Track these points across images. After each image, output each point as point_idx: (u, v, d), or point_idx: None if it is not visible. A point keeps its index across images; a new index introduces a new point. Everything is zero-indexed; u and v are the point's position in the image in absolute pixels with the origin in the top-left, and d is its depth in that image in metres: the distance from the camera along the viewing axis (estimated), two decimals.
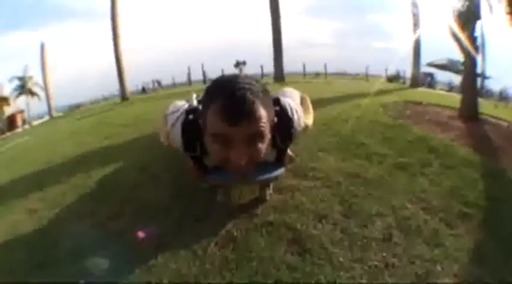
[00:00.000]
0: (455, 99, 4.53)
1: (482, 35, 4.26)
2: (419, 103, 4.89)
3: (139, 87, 22.04)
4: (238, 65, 28.29)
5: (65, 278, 1.21)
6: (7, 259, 1.43)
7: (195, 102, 1.41)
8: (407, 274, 1.08)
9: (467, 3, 4.00)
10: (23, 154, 4.58)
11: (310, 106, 1.65)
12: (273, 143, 1.21)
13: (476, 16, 4.05)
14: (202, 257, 1.22)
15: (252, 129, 0.95)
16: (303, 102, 1.61)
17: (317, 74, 21.82)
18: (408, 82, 15.76)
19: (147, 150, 2.76)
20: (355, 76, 21.31)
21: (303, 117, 1.42)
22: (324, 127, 2.88)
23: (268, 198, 1.56)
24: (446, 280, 1.06)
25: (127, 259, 1.25)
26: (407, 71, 16.74)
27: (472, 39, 4.00)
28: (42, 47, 24.33)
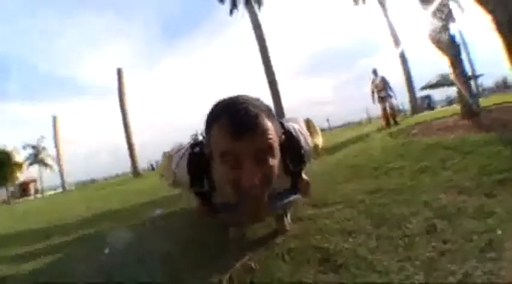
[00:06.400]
0: (457, 109, 4.63)
1: (461, 34, 4.46)
2: (424, 121, 4.96)
3: (149, 165, 23.94)
4: None
5: None
6: None
7: (200, 137, 1.35)
8: (469, 251, 0.92)
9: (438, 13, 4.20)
10: (35, 211, 4.88)
11: (317, 128, 1.62)
12: (286, 169, 1.16)
13: (450, 19, 4.24)
14: None
15: (260, 143, 0.89)
16: (309, 125, 1.58)
17: (321, 130, 22.53)
18: (409, 111, 16.04)
19: (160, 207, 2.78)
20: (358, 123, 21.79)
21: (310, 137, 1.38)
22: (338, 163, 2.91)
23: (288, 228, 1.43)
24: None
25: None
26: (406, 102, 17.27)
27: (450, 39, 4.13)
28: (55, 119, 25.38)
